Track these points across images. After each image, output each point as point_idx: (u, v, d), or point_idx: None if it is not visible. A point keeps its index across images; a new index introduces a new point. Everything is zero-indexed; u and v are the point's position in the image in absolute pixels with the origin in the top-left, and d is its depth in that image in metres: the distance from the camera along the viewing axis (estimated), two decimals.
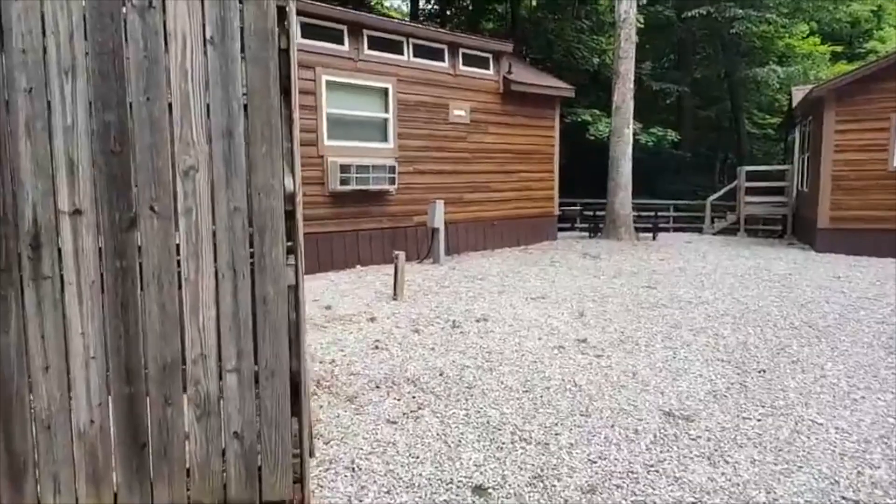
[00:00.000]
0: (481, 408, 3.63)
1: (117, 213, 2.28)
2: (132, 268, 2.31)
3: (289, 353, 2.53)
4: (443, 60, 9.53)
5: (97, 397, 2.32)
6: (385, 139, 8.80)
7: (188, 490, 2.46)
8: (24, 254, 2.20)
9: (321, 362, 4.48)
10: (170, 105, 2.29)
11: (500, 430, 3.32)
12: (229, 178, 2.38)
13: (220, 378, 2.45)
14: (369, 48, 8.48)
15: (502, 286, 7.36)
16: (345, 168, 7.99)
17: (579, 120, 16.08)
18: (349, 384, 4.04)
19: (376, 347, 4.83)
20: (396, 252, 6.30)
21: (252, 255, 2.44)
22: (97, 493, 2.35)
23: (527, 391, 3.90)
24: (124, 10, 2.19)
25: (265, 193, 2.43)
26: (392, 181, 8.64)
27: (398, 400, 3.78)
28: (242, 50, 2.30)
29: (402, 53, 8.92)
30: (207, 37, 2.27)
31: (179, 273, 2.37)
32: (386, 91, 8.74)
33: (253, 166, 2.40)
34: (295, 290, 2.51)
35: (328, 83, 8.00)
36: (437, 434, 3.27)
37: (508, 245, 11.03)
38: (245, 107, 2.37)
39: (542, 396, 3.81)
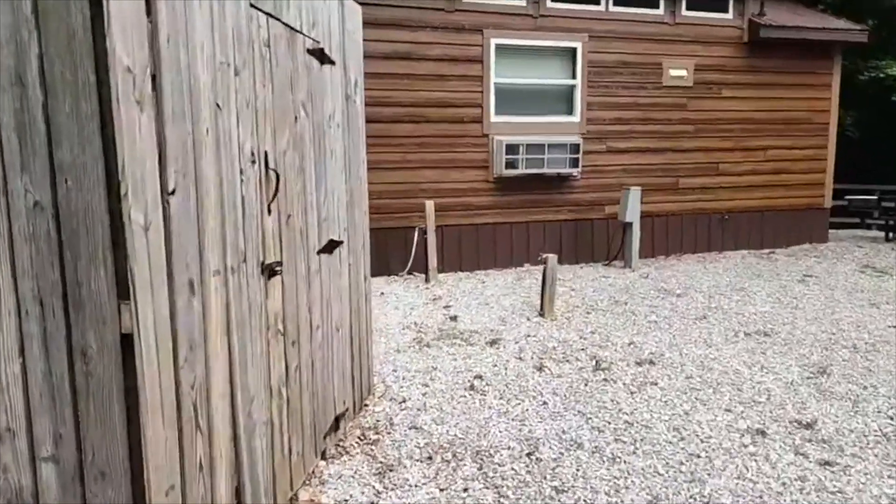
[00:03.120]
0: None
1: None
2: None
3: (127, 442, 1.55)
4: (656, 6, 7.43)
5: None
6: (569, 111, 7.21)
7: None
8: None
9: (391, 400, 3.45)
10: None
11: None
12: (25, 154, 1.47)
13: (34, 468, 1.59)
14: (553, 0, 6.98)
15: (707, 309, 5.27)
16: (511, 148, 6.72)
17: (881, 76, 11.63)
18: (399, 445, 2.92)
19: (471, 387, 3.59)
20: (544, 255, 4.85)
21: (64, 283, 1.51)
22: None
23: None
24: None
25: (74, 179, 1.45)
26: (574, 163, 7.04)
27: (442, 490, 2.52)
28: None
29: (597, 3, 7.16)
30: None
31: None
32: (573, 52, 7.12)
33: (54, 133, 1.44)
34: (131, 343, 1.50)
35: (498, 48, 6.79)
36: None
37: (745, 247, 8.35)
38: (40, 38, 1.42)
39: None
